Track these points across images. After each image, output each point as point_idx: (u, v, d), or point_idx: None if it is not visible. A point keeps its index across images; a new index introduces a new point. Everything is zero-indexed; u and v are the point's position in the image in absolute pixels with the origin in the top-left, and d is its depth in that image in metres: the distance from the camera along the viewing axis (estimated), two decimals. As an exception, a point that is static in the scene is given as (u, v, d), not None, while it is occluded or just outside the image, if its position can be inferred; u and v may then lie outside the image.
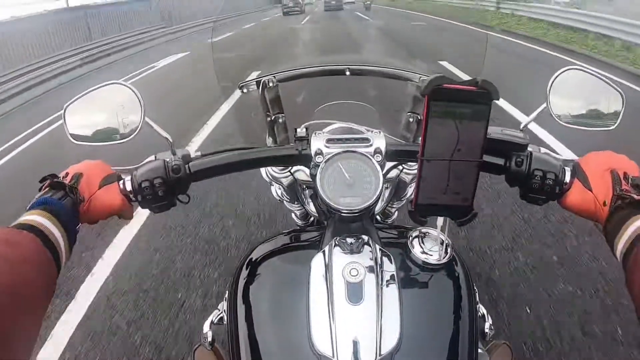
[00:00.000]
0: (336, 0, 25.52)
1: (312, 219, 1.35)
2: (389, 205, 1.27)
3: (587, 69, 0.90)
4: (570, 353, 2.05)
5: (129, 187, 0.81)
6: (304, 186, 1.21)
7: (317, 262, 0.74)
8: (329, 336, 0.65)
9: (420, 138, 0.66)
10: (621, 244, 0.65)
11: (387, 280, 0.71)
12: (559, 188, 0.79)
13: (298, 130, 0.85)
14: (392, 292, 0.70)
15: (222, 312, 0.99)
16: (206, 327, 0.99)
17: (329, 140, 0.81)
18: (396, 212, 1.34)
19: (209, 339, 0.99)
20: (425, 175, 0.67)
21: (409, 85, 1.26)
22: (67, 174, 0.78)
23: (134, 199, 0.82)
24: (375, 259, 0.73)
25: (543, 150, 0.85)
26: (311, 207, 1.27)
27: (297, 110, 1.35)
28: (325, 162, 0.78)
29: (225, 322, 0.91)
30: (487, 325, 0.92)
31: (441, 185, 0.67)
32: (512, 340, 2.13)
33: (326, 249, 0.75)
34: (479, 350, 0.78)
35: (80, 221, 0.76)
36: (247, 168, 0.89)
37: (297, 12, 24.47)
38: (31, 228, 0.64)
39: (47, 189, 0.74)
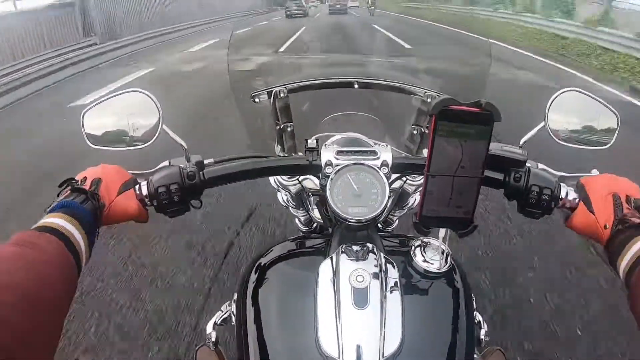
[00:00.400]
0: (340, 5, 25.33)
1: (315, 225, 1.38)
2: (391, 213, 1.31)
3: (584, 91, 0.94)
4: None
5: (144, 192, 0.84)
6: (310, 193, 1.24)
7: (325, 267, 0.77)
8: (335, 338, 0.68)
9: (423, 150, 0.69)
10: (624, 263, 0.69)
11: (390, 287, 0.74)
12: (554, 203, 0.84)
13: (309, 141, 0.88)
14: (395, 298, 0.73)
15: (225, 313, 1.01)
16: (210, 328, 1.02)
17: (338, 152, 0.85)
18: (397, 220, 1.37)
19: (213, 339, 1.01)
20: (430, 189, 0.70)
21: (413, 99, 1.30)
22: (85, 178, 0.80)
23: (149, 203, 0.84)
24: (380, 266, 0.77)
25: (541, 166, 0.89)
26: (316, 214, 1.30)
27: (305, 119, 1.39)
28: (335, 173, 0.81)
29: (232, 323, 0.94)
30: (482, 332, 0.95)
31: (444, 199, 0.71)
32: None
33: (334, 255, 0.79)
34: (475, 356, 0.82)
35: (100, 224, 0.78)
36: (260, 176, 0.92)
37: (301, 15, 23.89)
38: (53, 231, 0.66)
39: (68, 192, 0.76)
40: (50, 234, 0.65)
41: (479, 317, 0.97)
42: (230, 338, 0.88)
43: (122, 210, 0.82)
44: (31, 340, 0.53)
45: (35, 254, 0.61)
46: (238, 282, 0.92)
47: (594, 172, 0.88)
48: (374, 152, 0.85)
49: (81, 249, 0.69)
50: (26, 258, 0.59)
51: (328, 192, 0.80)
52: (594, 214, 0.79)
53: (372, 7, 22.33)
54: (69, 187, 0.76)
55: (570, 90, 0.93)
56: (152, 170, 0.88)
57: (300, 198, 1.27)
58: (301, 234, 1.42)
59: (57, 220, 0.68)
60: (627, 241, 0.70)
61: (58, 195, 0.76)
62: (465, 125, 0.65)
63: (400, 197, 1.25)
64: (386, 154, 0.85)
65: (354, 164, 0.82)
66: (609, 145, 0.95)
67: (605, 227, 0.76)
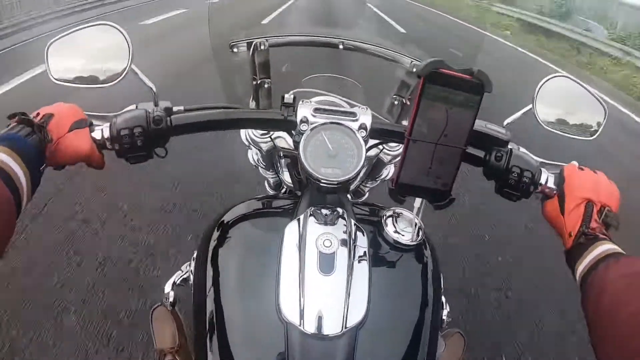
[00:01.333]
0: None
1: (284, 189, 1.35)
2: (363, 184, 1.28)
3: (575, 78, 0.92)
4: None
5: (106, 134, 0.78)
6: (282, 154, 1.20)
7: (291, 229, 0.74)
8: (297, 304, 0.65)
9: (403, 122, 0.67)
10: (581, 268, 0.69)
11: (359, 255, 0.71)
12: (533, 187, 0.82)
13: (286, 96, 0.84)
14: (362, 267, 0.70)
15: (185, 273, 0.98)
16: (168, 287, 0.98)
17: (316, 110, 0.81)
18: (368, 192, 1.35)
19: (171, 299, 0.98)
20: (409, 155, 0.67)
21: (398, 68, 1.26)
22: (38, 114, 0.74)
23: (110, 147, 0.79)
24: (349, 232, 0.73)
25: (522, 149, 0.87)
26: (286, 177, 1.27)
27: (284, 77, 1.34)
28: (310, 130, 0.77)
29: (190, 283, 0.90)
30: (444, 312, 0.94)
31: (424, 168, 0.68)
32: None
33: (301, 217, 0.75)
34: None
35: (46, 163, 0.73)
36: (230, 127, 0.87)
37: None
38: None
39: (14, 124, 0.70)
40: None
41: (442, 298, 0.95)
42: (188, 299, 0.84)
43: (72, 149, 0.75)
44: None
45: None
46: (199, 240, 0.88)
47: (574, 163, 0.86)
48: (352, 114, 0.81)
49: (22, 186, 0.64)
50: None
51: (301, 149, 0.76)
52: (563, 215, 0.77)
53: None
54: (17, 119, 0.70)
55: (559, 76, 0.91)
56: (114, 113, 0.82)
57: (271, 158, 1.23)
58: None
59: None
60: (586, 247, 0.70)
61: (6, 127, 0.70)
62: (453, 91, 0.63)
63: (374, 168, 1.23)
64: (365, 117, 0.81)
65: (331, 122, 0.79)
66: (594, 137, 0.94)
67: (570, 234, 0.75)
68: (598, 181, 0.79)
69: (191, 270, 0.93)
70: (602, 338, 0.60)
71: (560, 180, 0.81)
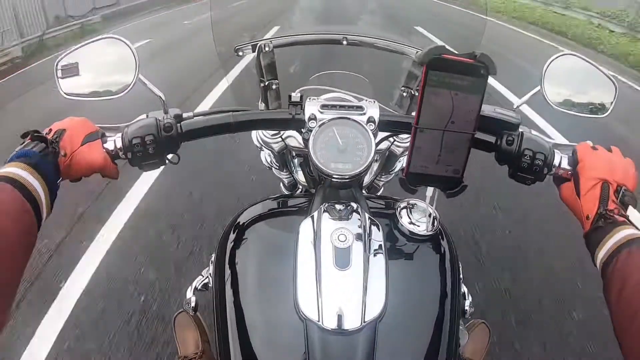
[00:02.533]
0: None
1: (299, 188, 1.35)
2: (377, 178, 1.28)
3: (582, 56, 0.91)
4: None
5: (118, 144, 0.80)
6: (294, 154, 1.21)
7: (306, 226, 0.74)
8: (315, 300, 0.65)
9: (413, 112, 0.66)
10: (601, 255, 0.67)
11: (374, 249, 0.71)
12: (547, 169, 0.81)
13: (293, 95, 0.84)
14: (378, 260, 0.70)
15: (206, 278, 0.98)
16: (189, 293, 0.99)
17: (323, 106, 0.81)
18: (383, 186, 1.34)
19: (192, 304, 0.99)
20: (418, 144, 0.67)
21: (404, 60, 1.26)
22: (50, 130, 0.76)
23: (123, 156, 0.80)
24: (364, 226, 0.73)
25: (534, 132, 0.86)
26: (299, 176, 1.27)
27: (291, 77, 1.34)
28: (319, 127, 0.78)
29: (210, 288, 0.91)
30: (467, 303, 0.93)
31: (433, 155, 0.68)
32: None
33: (315, 214, 0.75)
34: (460, 328, 0.79)
35: (62, 176, 0.75)
36: (240, 130, 0.88)
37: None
38: (9, 180, 0.62)
39: (28, 141, 0.71)
40: (7, 183, 0.62)
41: (464, 288, 0.94)
42: (210, 303, 0.85)
43: (86, 161, 0.77)
44: None
45: None
46: (217, 243, 0.89)
47: (587, 142, 0.85)
48: (360, 107, 0.82)
49: (41, 200, 0.65)
50: None
51: (311, 146, 0.76)
52: (579, 198, 0.75)
53: None
54: (30, 137, 0.72)
55: (567, 54, 0.90)
56: (126, 124, 0.83)
57: (284, 158, 1.24)
58: None
59: (14, 169, 0.65)
60: (606, 232, 0.68)
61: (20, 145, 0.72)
62: (457, 76, 0.63)
63: (387, 161, 1.22)
64: (373, 110, 0.81)
65: (339, 117, 0.79)
66: (605, 114, 0.92)
67: (587, 217, 0.73)
68: (612, 160, 0.77)
69: (210, 274, 0.93)
70: (627, 328, 0.58)
71: (574, 161, 0.80)
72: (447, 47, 0.62)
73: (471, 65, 0.62)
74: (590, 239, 0.71)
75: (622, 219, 0.69)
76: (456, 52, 0.62)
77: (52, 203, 0.69)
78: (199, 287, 0.99)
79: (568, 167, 0.81)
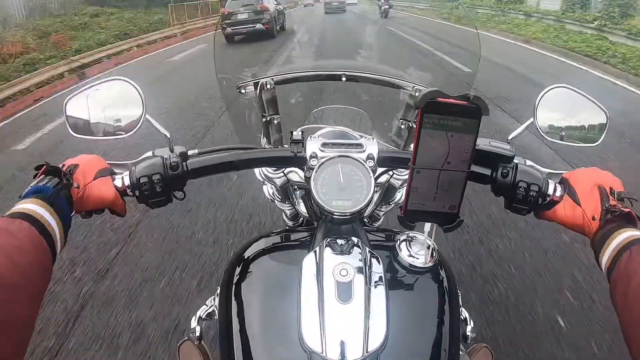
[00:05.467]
0: (338, 2, 23.12)
1: (301, 219, 1.37)
2: (377, 208, 1.30)
3: (574, 87, 0.93)
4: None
5: (126, 182, 0.82)
6: (296, 187, 1.23)
7: (309, 261, 0.76)
8: (319, 333, 0.67)
9: (411, 145, 0.68)
10: (606, 256, 0.69)
11: (375, 281, 0.73)
12: (541, 200, 0.83)
13: (294, 133, 0.87)
14: (379, 293, 0.72)
15: (210, 308, 1.00)
16: (194, 322, 1.00)
17: (324, 145, 0.84)
18: (383, 216, 1.37)
19: (197, 333, 1.00)
20: (415, 183, 0.69)
21: (401, 93, 1.29)
22: (63, 165, 0.79)
23: (130, 193, 0.83)
24: (365, 260, 0.75)
25: (528, 162, 0.88)
26: (301, 208, 1.29)
27: (291, 111, 1.37)
28: (320, 165, 0.80)
29: (215, 318, 0.93)
30: (468, 328, 0.95)
31: (430, 193, 0.70)
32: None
33: (317, 249, 0.77)
34: (460, 352, 0.81)
35: (74, 209, 0.77)
36: (244, 168, 0.91)
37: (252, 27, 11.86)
38: (26, 217, 0.64)
39: (41, 176, 0.74)
40: (23, 220, 0.63)
41: (465, 313, 0.96)
42: (214, 333, 0.86)
43: (97, 196, 0.80)
44: (5, 327, 0.51)
45: (7, 241, 0.59)
46: (222, 275, 0.91)
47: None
48: (359, 145, 0.84)
49: (56, 235, 0.67)
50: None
51: (312, 184, 0.79)
52: (580, 205, 0.78)
53: (385, 7, 12.49)
54: (43, 170, 0.75)
55: (559, 87, 0.92)
56: (133, 161, 0.86)
57: (286, 191, 1.26)
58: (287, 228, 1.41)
59: (29, 205, 0.67)
60: (609, 234, 0.70)
61: (34, 178, 0.74)
62: (452, 118, 0.64)
63: (386, 192, 1.24)
64: (372, 147, 0.84)
65: (339, 156, 0.81)
66: (597, 143, 0.94)
67: (593, 218, 0.75)
68: (597, 172, 0.82)
69: (216, 306, 0.95)
70: (635, 331, 0.58)
71: (563, 183, 0.83)
72: (441, 90, 0.64)
73: (465, 107, 0.64)
74: (595, 242, 0.73)
75: (627, 209, 0.72)
76: (450, 95, 0.64)
77: (65, 237, 0.71)
78: (204, 317, 1.00)
79: (560, 194, 0.83)
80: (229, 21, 12.72)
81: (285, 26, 12.75)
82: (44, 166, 0.75)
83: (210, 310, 1.00)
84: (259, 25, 11.99)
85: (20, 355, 0.54)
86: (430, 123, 0.64)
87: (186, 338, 1.08)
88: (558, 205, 0.82)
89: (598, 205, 0.75)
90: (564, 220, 0.82)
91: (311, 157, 0.83)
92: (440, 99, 0.63)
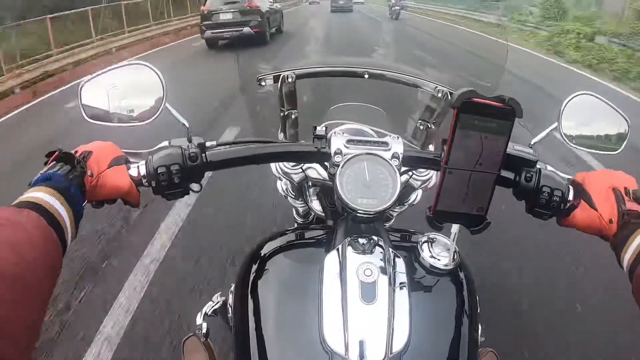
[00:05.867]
0: (345, 1, 21.27)
1: (312, 217, 1.36)
2: (391, 208, 1.29)
3: (598, 95, 0.93)
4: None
5: (142, 172, 0.79)
6: (310, 183, 1.22)
7: (331, 260, 0.75)
8: (341, 334, 0.66)
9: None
10: (628, 255, 0.68)
11: (400, 283, 0.72)
12: (563, 205, 0.82)
13: (318, 128, 0.85)
14: (402, 294, 0.71)
15: (217, 304, 0.99)
16: (200, 319, 0.99)
17: (349, 141, 0.82)
18: (395, 217, 1.35)
19: (204, 330, 0.98)
20: (446, 184, 0.68)
21: (420, 94, 1.28)
22: (76, 152, 0.75)
23: (146, 184, 0.80)
24: (388, 260, 0.74)
25: (550, 167, 0.87)
26: (315, 205, 1.28)
27: (308, 107, 1.36)
28: (345, 162, 0.79)
29: (229, 314, 0.91)
30: (478, 332, 0.94)
31: (460, 194, 0.69)
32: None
33: (340, 247, 0.76)
34: None
35: (87, 199, 0.73)
36: (265, 162, 0.89)
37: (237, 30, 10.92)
38: (35, 206, 0.60)
39: (53, 162, 0.70)
40: (32, 209, 0.60)
41: None
42: (220, 330, 0.85)
43: (111, 185, 0.76)
44: (11, 327, 0.48)
45: (14, 233, 0.55)
46: (237, 273, 0.89)
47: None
48: (385, 143, 0.83)
49: (66, 226, 0.63)
50: (6, 240, 0.53)
51: (337, 181, 0.77)
52: (596, 209, 0.77)
53: (397, 7, 12.67)
54: (55, 156, 0.71)
55: (584, 94, 0.92)
56: (148, 150, 0.83)
57: (301, 188, 1.25)
58: (297, 225, 1.40)
59: (39, 194, 0.63)
60: (630, 234, 0.69)
61: (45, 165, 0.70)
62: (486, 119, 0.64)
63: (403, 193, 1.23)
64: (397, 145, 0.83)
65: (366, 153, 0.80)
66: (618, 151, 0.94)
67: (610, 221, 0.75)
68: (609, 173, 0.81)
69: (229, 304, 0.93)
70: None
71: (576, 186, 0.82)
72: (476, 91, 0.64)
73: (500, 109, 0.64)
74: (615, 243, 0.72)
75: None
76: (485, 96, 0.63)
77: (76, 227, 0.67)
78: (209, 313, 0.99)
79: (576, 197, 0.82)
80: (208, 22, 11.29)
81: (282, 28, 12.41)
82: (56, 152, 0.71)
83: (216, 306, 0.99)
84: (246, 29, 10.69)
85: (27, 357, 0.50)
86: (465, 123, 0.64)
87: (191, 334, 1.06)
88: (576, 211, 0.81)
89: (614, 209, 0.74)
90: (582, 225, 0.81)
91: (336, 153, 0.81)
92: (475, 99, 0.63)
